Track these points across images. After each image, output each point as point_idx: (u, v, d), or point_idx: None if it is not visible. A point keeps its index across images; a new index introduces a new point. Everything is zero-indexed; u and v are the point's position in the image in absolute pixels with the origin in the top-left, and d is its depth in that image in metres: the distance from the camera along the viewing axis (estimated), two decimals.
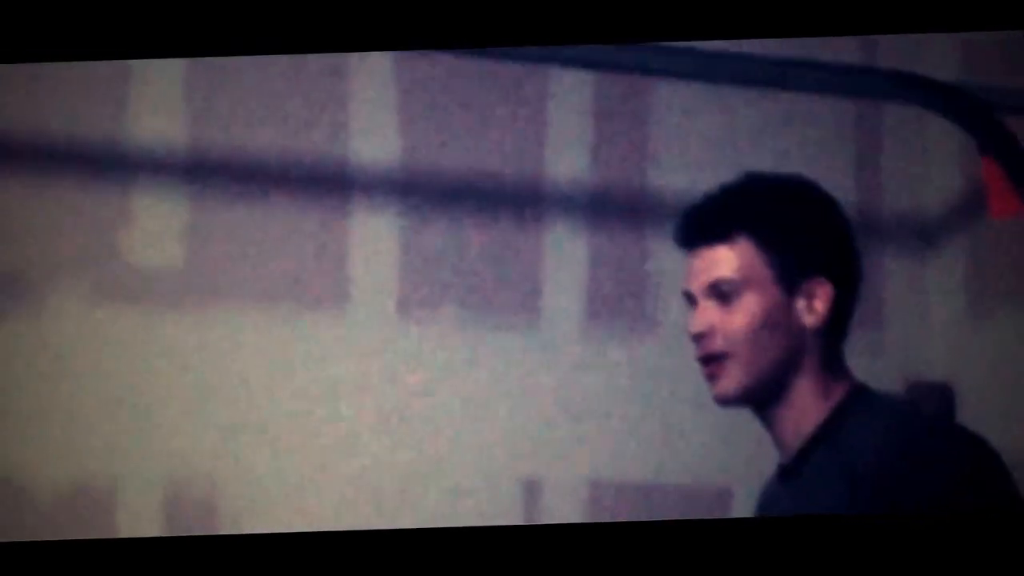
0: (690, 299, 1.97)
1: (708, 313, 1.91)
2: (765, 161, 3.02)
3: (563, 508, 2.96)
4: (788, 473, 1.95)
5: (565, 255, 2.99)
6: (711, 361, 1.93)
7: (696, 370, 3.02)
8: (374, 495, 2.87)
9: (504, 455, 2.93)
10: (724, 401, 1.95)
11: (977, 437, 1.83)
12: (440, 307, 2.93)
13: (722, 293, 1.92)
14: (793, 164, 3.01)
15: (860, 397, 1.92)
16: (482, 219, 2.95)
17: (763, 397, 1.94)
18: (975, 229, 3.01)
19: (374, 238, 2.90)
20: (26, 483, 2.70)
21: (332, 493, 2.84)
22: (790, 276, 1.91)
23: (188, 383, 2.79)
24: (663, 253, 3.05)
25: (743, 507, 3.04)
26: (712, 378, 1.93)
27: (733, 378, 1.92)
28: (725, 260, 1.93)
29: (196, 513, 2.78)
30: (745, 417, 3.04)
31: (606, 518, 2.98)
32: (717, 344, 1.91)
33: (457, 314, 2.93)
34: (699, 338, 1.93)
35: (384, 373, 2.89)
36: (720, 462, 3.03)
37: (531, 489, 2.94)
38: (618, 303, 3.01)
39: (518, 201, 2.98)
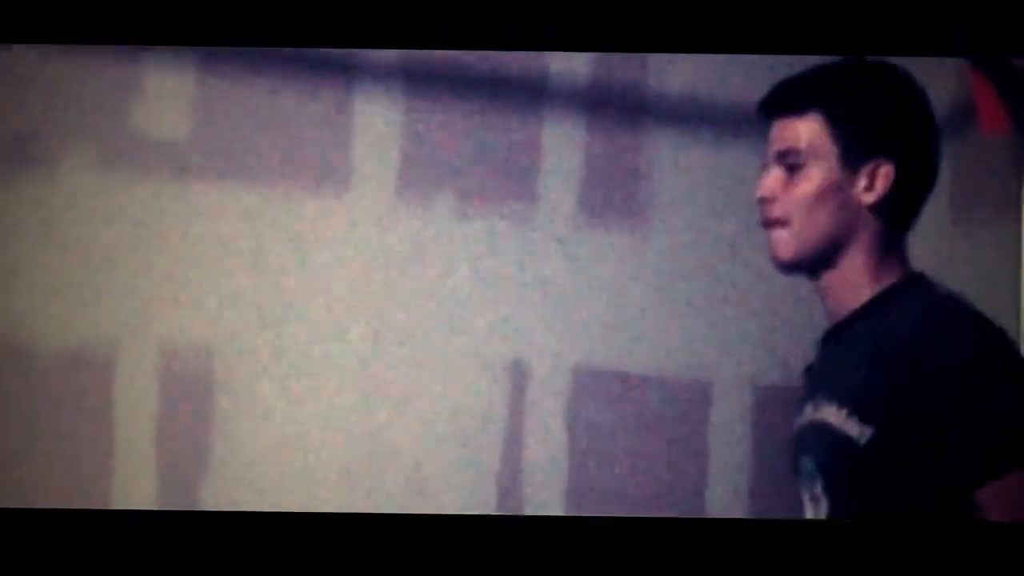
0: (765, 165, 2.00)
1: (774, 180, 1.95)
2: (762, 62, 3.03)
3: (548, 394, 3.00)
4: (828, 338, 1.98)
5: (562, 146, 3.00)
6: (770, 226, 1.95)
7: (685, 266, 3.07)
8: (366, 375, 2.91)
9: (494, 340, 2.97)
10: (780, 265, 1.98)
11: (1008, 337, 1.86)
12: (438, 194, 2.95)
13: (789, 163, 1.96)
14: (783, 64, 3.02)
15: (913, 284, 1.93)
16: (482, 108, 2.96)
17: (815, 266, 1.97)
18: (961, 141, 3.03)
19: (376, 123, 2.91)
20: (28, 346, 2.74)
21: (325, 369, 2.89)
22: (855, 154, 1.93)
23: (188, 254, 2.83)
24: (659, 147, 3.06)
25: (722, 400, 3.07)
26: (770, 242, 1.95)
27: (788, 244, 1.95)
28: (795, 132, 1.97)
29: (191, 382, 2.82)
30: (729, 314, 3.08)
31: (588, 405, 3.01)
32: (777, 210, 1.94)
33: (454, 202, 2.95)
34: (762, 202, 1.95)
35: (381, 257, 2.92)
36: (702, 356, 3.05)
37: (518, 374, 2.98)
38: (613, 196, 3.02)
39: (518, 91, 2.99)
